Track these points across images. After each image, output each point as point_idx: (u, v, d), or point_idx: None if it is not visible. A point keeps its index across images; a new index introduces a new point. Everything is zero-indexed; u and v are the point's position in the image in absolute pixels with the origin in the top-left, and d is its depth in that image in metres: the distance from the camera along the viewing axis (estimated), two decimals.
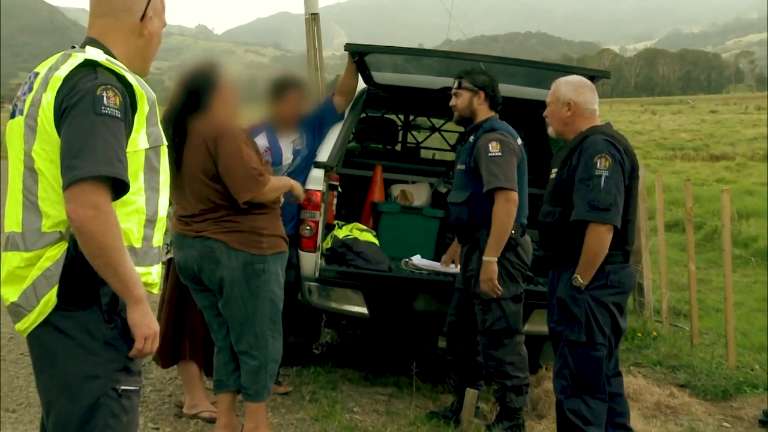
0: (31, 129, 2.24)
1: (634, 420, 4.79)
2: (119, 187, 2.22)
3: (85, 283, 2.25)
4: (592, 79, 4.98)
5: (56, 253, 2.24)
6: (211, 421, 4.65)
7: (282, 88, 5.09)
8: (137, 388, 2.38)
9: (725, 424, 5.19)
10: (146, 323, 2.29)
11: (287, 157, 5.20)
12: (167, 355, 4.72)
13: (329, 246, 5.46)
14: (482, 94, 4.78)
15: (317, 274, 5.20)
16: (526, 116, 6.18)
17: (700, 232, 12.03)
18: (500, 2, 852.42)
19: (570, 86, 4.25)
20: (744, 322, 7.39)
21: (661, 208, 7.59)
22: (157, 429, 4.55)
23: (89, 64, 2.25)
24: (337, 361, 5.94)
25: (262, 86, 4.63)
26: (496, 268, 4.57)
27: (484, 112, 4.80)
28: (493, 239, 4.58)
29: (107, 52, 2.35)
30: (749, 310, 8.40)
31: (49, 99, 2.21)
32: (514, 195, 4.55)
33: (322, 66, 13.79)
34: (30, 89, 2.29)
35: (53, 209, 2.24)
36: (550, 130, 4.39)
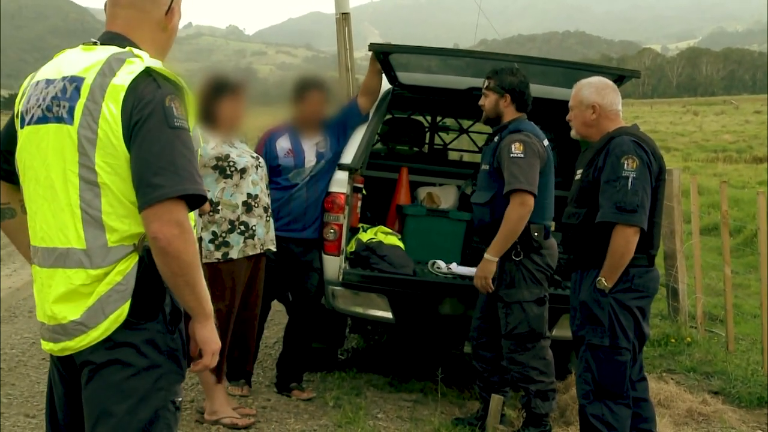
0: (89, 141, 2.13)
1: (665, 427, 4.69)
2: (194, 202, 2.19)
3: (154, 295, 2.21)
4: (621, 79, 4.90)
5: (126, 266, 2.17)
6: (233, 427, 4.63)
7: (302, 89, 5.05)
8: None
9: (759, 431, 5.04)
10: (214, 339, 2.29)
11: (310, 159, 5.17)
12: None
13: (353, 249, 5.41)
14: (509, 97, 4.67)
15: (341, 278, 5.15)
16: (555, 117, 6.07)
17: (739, 236, 11.80)
18: (538, 1, 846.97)
19: (593, 89, 4.17)
20: None
21: (696, 211, 7.42)
22: None
23: (148, 72, 2.16)
24: (362, 366, 5.89)
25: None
26: (493, 267, 4.52)
27: (510, 113, 4.71)
28: (498, 239, 4.50)
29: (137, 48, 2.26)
30: None
31: (113, 111, 2.12)
32: (530, 199, 4.45)
33: (353, 67, 13.70)
34: (76, 95, 2.15)
35: (120, 223, 2.16)
36: (573, 133, 4.31)
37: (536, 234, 4.54)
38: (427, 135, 7.84)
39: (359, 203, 5.61)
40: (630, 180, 3.87)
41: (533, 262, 4.58)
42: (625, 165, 3.89)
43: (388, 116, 7.01)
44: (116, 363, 2.20)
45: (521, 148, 4.48)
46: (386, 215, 6.12)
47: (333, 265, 5.16)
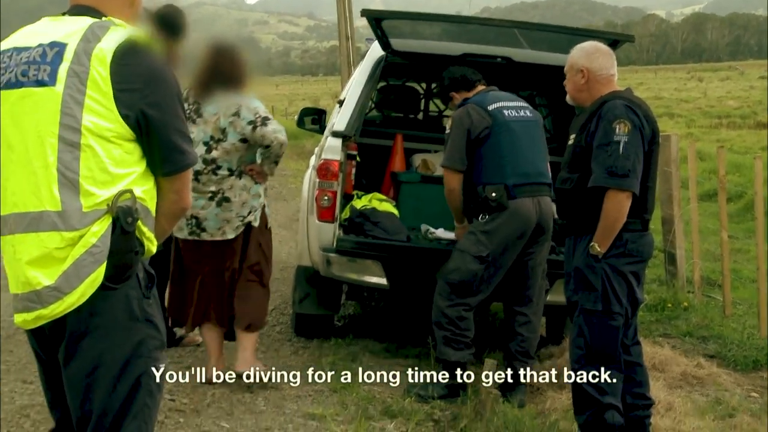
0: (76, 102, 2.09)
1: (658, 390, 4.68)
2: None
3: (128, 257, 2.17)
4: (615, 43, 4.85)
5: (101, 228, 2.12)
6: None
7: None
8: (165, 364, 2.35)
9: (753, 394, 5.06)
10: None
11: None
12: (197, 319, 4.81)
13: (347, 216, 5.41)
14: (455, 95, 5.06)
15: (335, 245, 5.16)
16: (550, 83, 6.03)
17: (740, 201, 11.76)
18: None
19: (583, 53, 4.12)
20: None
21: (694, 176, 7.39)
22: (173, 400, 4.55)
23: (135, 39, 2.16)
24: (358, 332, 5.91)
25: None
26: (461, 232, 4.96)
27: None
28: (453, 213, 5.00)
29: None
30: None
31: (102, 74, 2.10)
32: (450, 172, 4.82)
33: (353, 35, 13.62)
34: (58, 59, 2.11)
35: (98, 188, 2.12)
36: (568, 98, 4.27)
37: (494, 194, 4.69)
38: (422, 102, 7.81)
39: (353, 170, 5.60)
40: (622, 144, 3.82)
41: (489, 222, 4.74)
42: (617, 129, 3.84)
43: (383, 83, 6.97)
44: (94, 333, 2.17)
45: (450, 124, 4.86)
46: (381, 182, 6.11)
47: (327, 232, 5.17)
